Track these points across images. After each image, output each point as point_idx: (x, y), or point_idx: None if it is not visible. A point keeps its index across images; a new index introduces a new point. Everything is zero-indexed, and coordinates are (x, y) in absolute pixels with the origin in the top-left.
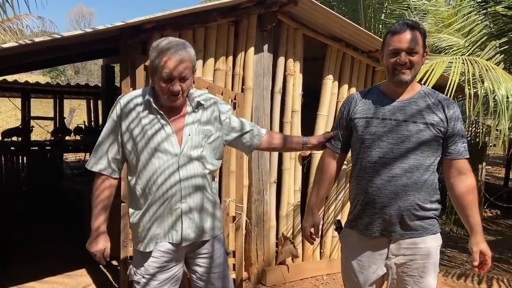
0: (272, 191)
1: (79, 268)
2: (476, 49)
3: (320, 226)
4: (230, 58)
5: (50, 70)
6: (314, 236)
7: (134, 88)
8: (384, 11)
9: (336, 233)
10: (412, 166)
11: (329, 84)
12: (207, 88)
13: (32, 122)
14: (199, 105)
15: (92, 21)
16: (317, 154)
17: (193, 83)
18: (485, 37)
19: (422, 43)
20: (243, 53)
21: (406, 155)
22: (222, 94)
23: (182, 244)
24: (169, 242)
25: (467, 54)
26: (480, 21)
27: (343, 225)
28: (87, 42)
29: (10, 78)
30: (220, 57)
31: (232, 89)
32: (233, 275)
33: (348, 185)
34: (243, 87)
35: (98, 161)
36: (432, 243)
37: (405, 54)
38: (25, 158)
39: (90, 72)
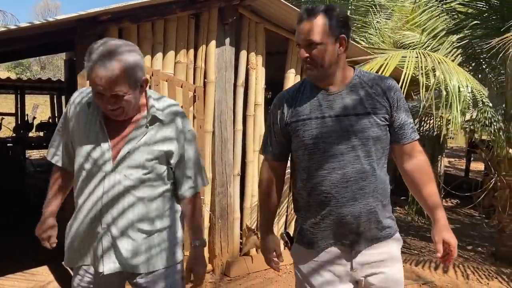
0: (236, 184)
1: (41, 266)
2: (436, 44)
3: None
4: (191, 51)
5: (15, 66)
6: (278, 261)
7: None
8: (349, 7)
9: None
10: (365, 164)
11: (292, 77)
12: (167, 81)
13: None
14: (156, 121)
15: (58, 14)
16: None
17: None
18: (443, 32)
19: (328, 30)
20: (204, 46)
21: (356, 154)
22: (181, 87)
23: (103, 273)
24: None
25: (429, 49)
26: (438, 16)
27: (293, 238)
28: (43, 34)
29: None
30: (181, 50)
31: (194, 83)
32: None
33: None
34: (205, 80)
35: (52, 151)
36: (395, 245)
37: (304, 50)
38: None
39: (57, 67)
